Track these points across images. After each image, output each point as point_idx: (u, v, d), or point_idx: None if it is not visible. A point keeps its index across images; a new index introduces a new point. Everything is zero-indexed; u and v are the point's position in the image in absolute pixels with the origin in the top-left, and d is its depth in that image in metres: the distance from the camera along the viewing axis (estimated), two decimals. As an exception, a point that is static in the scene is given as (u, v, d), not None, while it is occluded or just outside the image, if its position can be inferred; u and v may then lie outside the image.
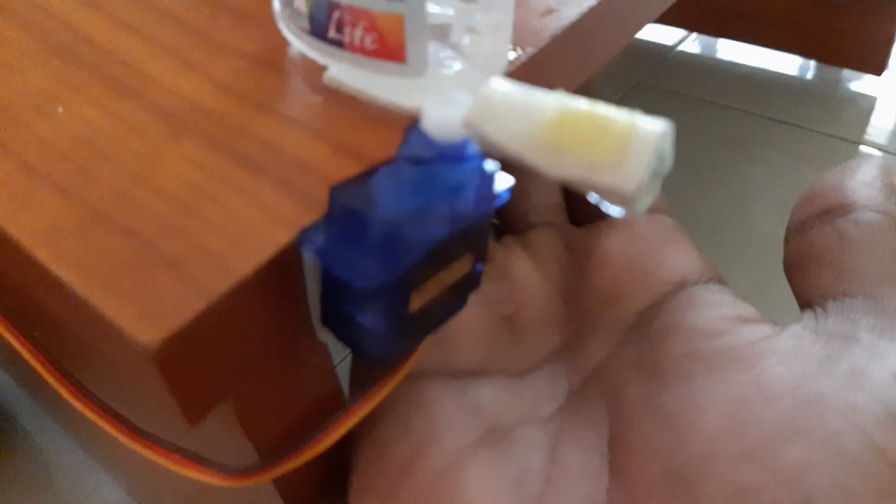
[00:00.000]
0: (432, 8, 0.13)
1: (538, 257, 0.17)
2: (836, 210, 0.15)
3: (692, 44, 0.91)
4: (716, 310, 0.14)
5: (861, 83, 0.87)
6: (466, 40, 0.13)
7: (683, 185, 0.71)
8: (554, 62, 0.15)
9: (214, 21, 0.16)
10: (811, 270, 0.14)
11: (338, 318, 0.12)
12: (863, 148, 0.77)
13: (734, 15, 0.85)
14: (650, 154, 0.10)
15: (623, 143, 0.10)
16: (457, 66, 0.13)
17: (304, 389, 0.13)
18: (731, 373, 0.12)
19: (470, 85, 0.13)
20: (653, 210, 0.18)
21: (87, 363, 0.15)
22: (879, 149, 0.76)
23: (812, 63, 0.89)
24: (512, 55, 0.14)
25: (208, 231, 0.11)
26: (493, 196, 0.12)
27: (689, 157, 0.72)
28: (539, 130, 0.10)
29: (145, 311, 0.10)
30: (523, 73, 0.15)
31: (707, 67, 0.91)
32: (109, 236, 0.11)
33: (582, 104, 0.10)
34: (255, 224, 0.11)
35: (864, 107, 0.81)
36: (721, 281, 0.16)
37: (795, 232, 0.15)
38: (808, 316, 0.14)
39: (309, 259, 0.11)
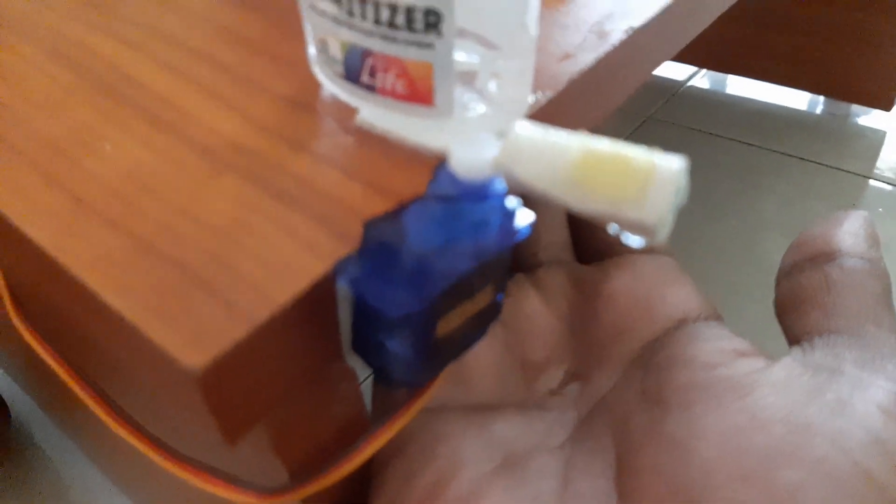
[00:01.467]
0: (459, 55, 0.14)
1: (548, 294, 0.18)
2: (823, 256, 0.16)
3: (703, 79, 0.93)
4: (714, 344, 0.15)
5: (870, 118, 0.87)
6: (491, 85, 0.14)
7: (696, 217, 0.71)
8: (572, 104, 0.16)
9: (250, 63, 0.17)
10: (800, 310, 0.15)
11: (368, 345, 0.12)
12: (872, 182, 0.77)
13: (744, 52, 0.87)
14: (670, 190, 0.10)
15: (644, 181, 0.10)
16: (481, 108, 0.14)
17: (333, 412, 0.14)
18: (728, 401, 0.13)
19: (493, 127, 0.14)
20: (655, 250, 0.19)
21: (123, 385, 0.15)
22: (889, 182, 0.76)
23: (821, 98, 0.90)
24: (532, 98, 0.15)
25: (249, 261, 0.12)
26: (514, 231, 0.13)
27: (702, 189, 0.73)
28: (564, 170, 0.11)
29: (190, 337, 0.11)
30: (543, 115, 0.15)
31: (718, 102, 0.92)
32: (156, 266, 0.12)
33: (604, 144, 0.11)
34: (292, 255, 0.12)
35: (873, 141, 0.82)
36: (718, 318, 0.17)
37: (786, 275, 0.16)
38: (796, 351, 0.15)
39: (343, 289, 0.12)
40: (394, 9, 0.12)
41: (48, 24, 0.20)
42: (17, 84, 0.17)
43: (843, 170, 0.77)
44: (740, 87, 0.91)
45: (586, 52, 0.17)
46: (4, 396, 0.41)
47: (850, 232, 0.16)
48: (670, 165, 0.10)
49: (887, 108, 0.84)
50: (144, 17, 0.20)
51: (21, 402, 0.45)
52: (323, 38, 0.14)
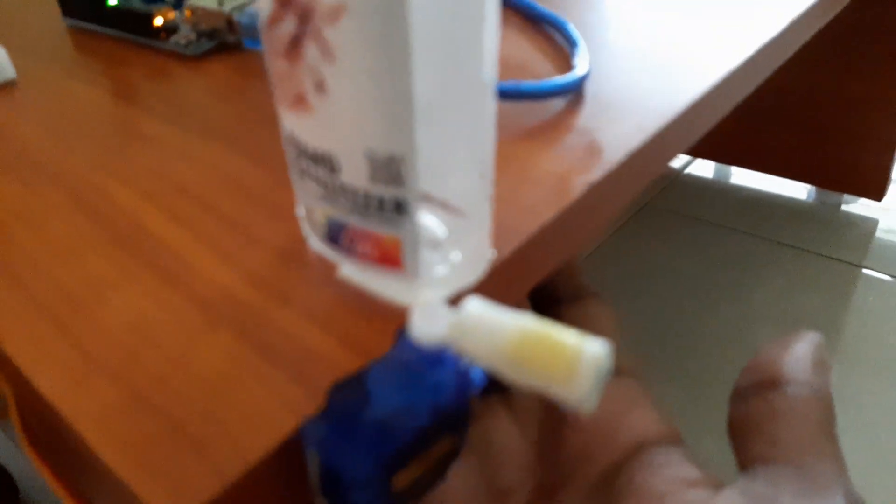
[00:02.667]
0: (427, 224, 0.16)
1: (520, 418, 0.20)
2: (769, 383, 0.17)
3: (700, 166, 0.96)
4: (665, 473, 0.16)
5: (861, 206, 0.89)
6: (454, 250, 0.16)
7: (690, 305, 0.72)
8: (530, 257, 0.18)
9: (250, 214, 0.20)
10: (746, 437, 0.17)
11: (334, 494, 0.14)
12: (865, 271, 0.78)
13: (739, 144, 0.90)
14: (594, 372, 0.12)
15: (572, 364, 0.12)
16: (444, 269, 0.16)
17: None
18: None
19: (457, 284, 0.16)
20: (622, 373, 0.20)
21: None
22: (880, 271, 0.77)
23: (814, 188, 0.92)
24: (491, 255, 0.17)
25: (231, 416, 0.14)
26: (469, 388, 0.14)
27: (696, 277, 0.75)
28: (503, 349, 0.13)
29: (171, 490, 0.12)
30: (502, 269, 0.17)
31: (714, 190, 0.95)
32: (147, 418, 0.14)
33: (540, 327, 0.13)
34: (269, 411, 0.14)
35: (864, 230, 0.84)
36: (677, 442, 0.18)
37: (736, 400, 0.18)
38: (742, 478, 0.16)
39: (313, 454, 0.13)
40: (366, 195, 0.15)
41: (72, 170, 0.22)
42: (40, 229, 0.19)
43: (835, 258, 0.78)
44: (736, 174, 0.94)
45: (549, 205, 0.19)
46: (13, 473, 0.42)
47: (796, 357, 0.17)
48: (595, 350, 0.12)
49: (878, 198, 0.86)
50: (161, 166, 0.22)
51: (29, 479, 0.45)
52: (309, 207, 0.16)
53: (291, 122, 0.15)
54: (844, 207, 0.89)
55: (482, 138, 0.15)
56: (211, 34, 0.30)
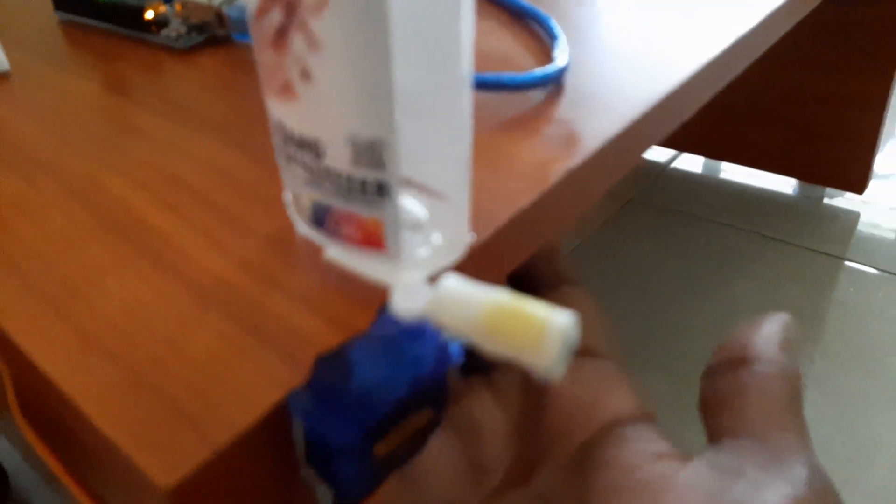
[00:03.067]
0: (408, 207, 0.17)
1: (501, 398, 0.20)
2: (738, 361, 0.18)
3: (684, 161, 0.97)
4: (637, 446, 0.17)
5: (844, 200, 0.91)
6: (434, 234, 0.17)
7: (675, 297, 0.74)
8: (508, 241, 0.19)
9: (240, 204, 0.20)
10: (715, 413, 0.18)
11: (318, 462, 0.14)
12: (847, 263, 0.80)
13: (723, 139, 0.91)
14: (560, 341, 0.13)
15: (540, 334, 0.13)
16: (424, 251, 0.17)
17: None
18: (641, 503, 0.15)
19: (437, 265, 0.17)
20: (599, 356, 0.21)
21: (109, 487, 0.17)
22: (862, 263, 0.79)
23: (797, 181, 0.94)
24: (470, 238, 0.18)
25: (221, 391, 0.14)
26: (447, 361, 0.15)
27: (681, 270, 0.76)
28: (477, 321, 0.13)
29: (164, 458, 0.13)
30: (481, 252, 0.18)
31: (698, 184, 0.96)
32: (144, 395, 0.14)
33: (511, 300, 0.13)
34: (257, 385, 0.14)
35: (847, 223, 0.85)
36: (650, 419, 0.19)
37: (707, 378, 0.19)
38: (709, 451, 0.17)
39: (298, 424, 0.14)
40: (350, 179, 0.15)
41: (68, 162, 0.23)
42: (38, 220, 0.20)
43: (818, 251, 0.79)
44: (718, 168, 0.95)
45: (526, 193, 0.20)
46: (7, 468, 0.42)
47: (765, 337, 0.18)
48: (561, 320, 0.13)
49: (860, 191, 0.87)
50: (153, 158, 0.23)
51: (24, 474, 0.46)
52: (296, 193, 0.17)
53: (278, 110, 0.16)
54: (827, 201, 0.91)
55: (460, 125, 0.16)
56: (201, 28, 0.31)
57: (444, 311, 0.14)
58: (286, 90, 0.15)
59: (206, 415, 0.14)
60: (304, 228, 0.18)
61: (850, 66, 0.78)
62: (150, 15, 0.31)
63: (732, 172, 0.97)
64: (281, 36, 0.14)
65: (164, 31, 0.31)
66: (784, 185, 0.94)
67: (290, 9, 0.13)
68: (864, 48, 0.76)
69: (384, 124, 0.14)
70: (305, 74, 0.14)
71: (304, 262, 0.18)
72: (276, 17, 0.14)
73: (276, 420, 0.14)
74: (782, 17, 0.33)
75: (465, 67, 0.15)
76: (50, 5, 0.35)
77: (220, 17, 0.30)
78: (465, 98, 0.16)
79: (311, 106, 0.14)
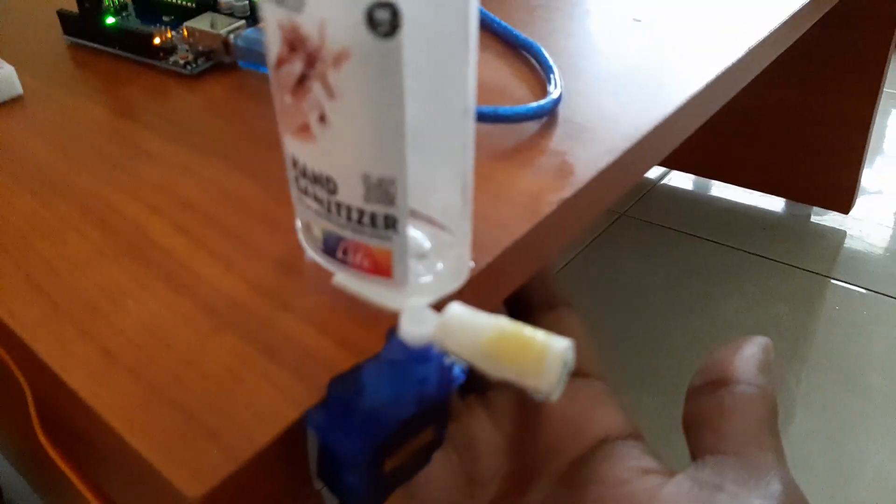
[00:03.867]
0: (413, 238, 0.18)
1: (496, 416, 0.22)
2: (719, 382, 0.19)
3: (674, 178, 0.98)
4: (625, 462, 0.18)
5: (830, 218, 0.93)
6: (438, 261, 0.18)
7: (662, 313, 0.75)
8: (505, 268, 0.20)
9: (250, 227, 0.21)
10: (697, 431, 0.19)
11: (330, 476, 0.15)
12: (833, 282, 0.82)
13: (713, 157, 0.93)
14: (559, 366, 0.14)
15: (540, 358, 0.14)
16: (429, 278, 0.18)
17: (303, 530, 0.17)
18: None
19: (440, 292, 0.18)
20: (590, 376, 0.22)
21: (134, 501, 0.18)
22: (847, 282, 0.80)
23: (784, 200, 0.95)
24: (471, 265, 0.19)
25: (239, 407, 0.15)
26: (450, 382, 0.16)
27: (668, 286, 0.77)
28: (481, 346, 0.14)
29: (192, 471, 0.14)
30: (480, 278, 0.19)
31: (688, 202, 0.97)
32: (167, 411, 0.15)
33: (512, 327, 0.15)
34: (274, 403, 0.15)
35: (832, 242, 0.87)
36: (638, 437, 0.20)
37: (690, 398, 0.20)
38: (692, 466, 0.18)
39: (310, 432, 0.15)
40: (361, 212, 0.16)
41: (82, 185, 0.24)
42: (55, 241, 0.21)
43: (804, 269, 0.81)
44: (710, 186, 0.97)
45: (521, 221, 0.21)
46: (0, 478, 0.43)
47: (745, 359, 0.20)
48: (560, 346, 0.14)
49: (845, 210, 0.90)
50: (164, 181, 0.24)
51: (15, 483, 0.46)
52: (308, 221, 0.18)
53: (294, 148, 0.17)
54: (814, 219, 0.92)
55: (463, 161, 0.17)
56: (208, 54, 0.32)
57: (450, 336, 0.15)
58: (303, 131, 0.16)
59: (227, 430, 0.15)
60: (313, 255, 0.19)
61: (835, 87, 0.80)
62: (157, 41, 0.32)
63: (721, 190, 0.98)
64: (300, 83, 0.15)
65: (171, 58, 0.32)
66: (772, 203, 0.96)
67: (311, 61, 0.15)
68: (850, 69, 0.79)
69: (395, 164, 0.15)
70: (322, 119, 0.15)
71: (314, 287, 0.19)
72: (296, 67, 0.15)
73: (292, 436, 0.15)
74: (771, 46, 0.35)
75: (470, 106, 0.16)
76: (59, 29, 0.36)
77: (226, 45, 0.31)
78: (469, 134, 0.17)
79: (327, 147, 0.16)
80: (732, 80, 0.32)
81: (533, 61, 0.31)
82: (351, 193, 0.16)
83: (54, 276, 0.20)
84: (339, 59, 0.14)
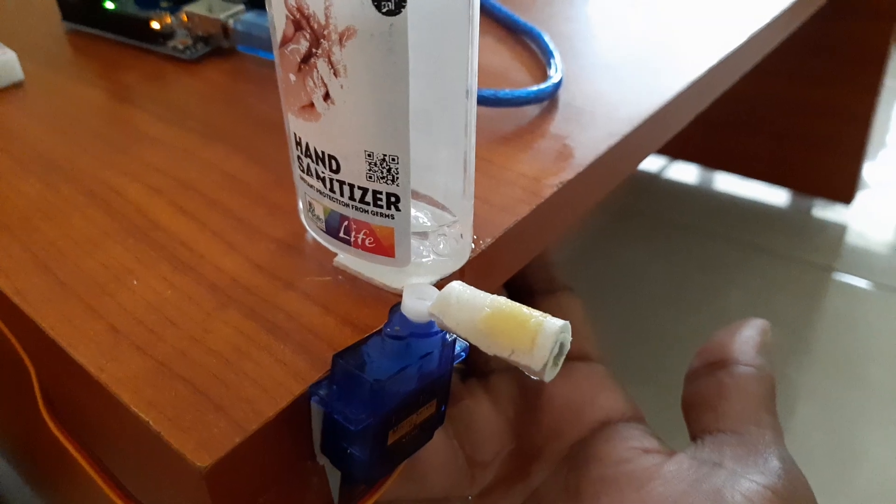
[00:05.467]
0: (415, 218, 0.18)
1: (498, 399, 0.22)
2: (718, 363, 0.19)
3: (675, 170, 0.99)
4: (626, 442, 0.19)
5: (832, 211, 0.93)
6: (439, 241, 0.18)
7: (665, 307, 0.75)
8: (505, 250, 0.20)
9: (251, 209, 0.22)
10: (697, 411, 0.19)
11: (334, 449, 0.16)
12: (835, 275, 0.82)
13: (715, 147, 0.94)
14: (552, 344, 0.14)
15: (533, 336, 0.14)
16: (431, 257, 0.18)
17: (307, 501, 0.17)
18: (628, 492, 0.17)
19: (441, 272, 0.18)
20: (591, 359, 0.22)
21: (137, 477, 0.19)
22: (849, 273, 0.81)
23: (786, 192, 0.96)
24: (472, 247, 0.19)
25: (245, 382, 0.16)
26: (453, 357, 0.17)
27: (670, 280, 0.78)
28: (476, 323, 0.15)
29: (200, 442, 0.14)
30: (480, 260, 0.19)
31: (689, 194, 0.98)
32: (174, 384, 0.16)
33: (507, 305, 0.15)
34: (279, 378, 0.16)
35: (834, 234, 0.87)
36: (639, 419, 0.21)
37: (689, 380, 0.20)
38: (691, 446, 0.18)
39: (315, 405, 0.15)
40: (364, 190, 0.17)
41: (85, 168, 0.24)
42: (60, 223, 0.21)
43: (806, 261, 0.81)
44: (709, 178, 0.97)
45: (523, 203, 0.21)
46: None
47: (743, 341, 0.20)
48: (554, 325, 0.14)
49: (847, 201, 0.90)
50: (166, 164, 0.24)
51: (6, 477, 0.47)
52: (310, 201, 0.19)
53: (298, 127, 0.17)
54: (816, 211, 0.93)
55: (465, 142, 0.17)
56: (206, 39, 0.32)
57: (448, 312, 0.15)
58: (308, 110, 0.16)
59: (233, 404, 0.15)
60: (315, 234, 0.19)
61: (837, 79, 0.80)
62: (156, 26, 0.32)
63: (723, 183, 0.98)
64: (305, 62, 0.15)
65: (171, 42, 0.32)
66: (774, 195, 0.96)
67: (316, 39, 0.15)
68: (851, 61, 0.79)
69: (398, 143, 0.16)
70: (327, 97, 0.15)
71: (316, 266, 0.19)
72: (301, 45, 0.15)
73: (297, 409, 0.15)
74: (771, 33, 0.35)
75: (472, 87, 0.17)
76: (57, 14, 0.36)
77: (225, 30, 0.31)
78: (471, 116, 0.17)
79: (331, 125, 0.16)
80: (732, 68, 0.32)
81: (533, 46, 0.32)
82: (354, 171, 0.16)
83: (60, 256, 0.20)
84: (344, 36, 0.14)
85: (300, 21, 0.15)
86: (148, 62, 0.32)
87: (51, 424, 0.19)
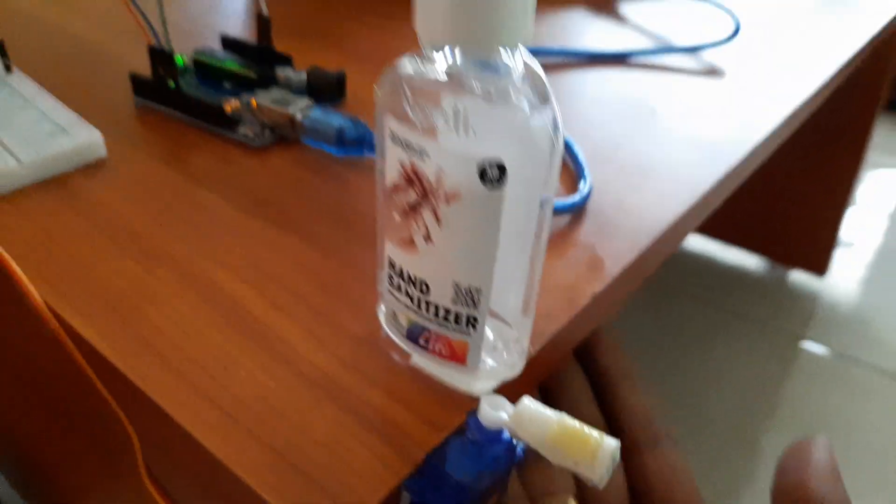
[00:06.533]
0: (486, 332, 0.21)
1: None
2: (801, 502, 0.21)
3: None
4: None
5: (807, 279, 0.98)
6: (503, 351, 0.22)
7: (649, 370, 0.79)
8: (548, 355, 0.24)
9: (331, 303, 0.25)
10: None
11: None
12: (806, 343, 0.86)
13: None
14: (609, 459, 0.18)
15: (594, 452, 0.18)
16: (492, 362, 0.22)
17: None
18: None
19: (503, 377, 0.22)
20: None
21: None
22: (819, 343, 0.85)
23: (764, 259, 1.01)
24: (527, 354, 0.23)
25: (349, 473, 0.19)
26: (514, 459, 0.20)
27: (644, 342, 0.81)
28: (545, 437, 0.18)
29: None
30: (532, 362, 0.23)
31: (673, 257, 1.02)
32: (289, 472, 0.19)
33: (572, 423, 0.18)
34: (375, 469, 0.19)
35: (807, 303, 0.92)
36: None
37: None
38: None
39: (405, 494, 0.19)
40: (447, 311, 0.20)
41: (176, 252, 0.27)
42: (163, 308, 0.24)
43: (780, 329, 0.86)
44: (693, 243, 1.02)
45: (563, 312, 0.25)
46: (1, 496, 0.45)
47: (818, 469, 0.21)
48: (609, 444, 0.18)
49: (820, 272, 0.95)
50: (249, 253, 0.27)
51: (7, 497, 0.48)
52: (394, 311, 0.22)
53: (395, 254, 0.21)
54: (791, 279, 0.98)
55: (533, 267, 0.21)
56: (272, 128, 0.36)
57: (521, 426, 0.19)
58: (407, 243, 0.20)
59: (341, 492, 0.18)
60: (396, 340, 0.23)
61: (819, 155, 0.86)
62: (228, 111, 0.36)
63: (702, 246, 1.03)
64: (412, 209, 0.19)
65: (240, 129, 0.36)
66: (750, 261, 1.01)
67: (425, 194, 0.18)
68: (826, 140, 0.84)
69: (483, 278, 0.19)
70: (428, 238, 0.19)
71: (393, 364, 0.22)
72: (411, 196, 0.19)
73: (391, 497, 0.18)
74: (779, 134, 0.39)
75: (543, 236, 0.20)
76: (128, 90, 0.40)
77: (293, 123, 0.35)
78: (538, 257, 0.21)
79: (428, 259, 0.19)
80: (737, 176, 0.37)
81: (565, 153, 0.36)
82: (442, 295, 0.20)
83: (168, 341, 0.23)
84: (452, 198, 0.18)
85: (412, 178, 0.19)
86: (215, 144, 0.35)
87: (153, 492, 0.22)
